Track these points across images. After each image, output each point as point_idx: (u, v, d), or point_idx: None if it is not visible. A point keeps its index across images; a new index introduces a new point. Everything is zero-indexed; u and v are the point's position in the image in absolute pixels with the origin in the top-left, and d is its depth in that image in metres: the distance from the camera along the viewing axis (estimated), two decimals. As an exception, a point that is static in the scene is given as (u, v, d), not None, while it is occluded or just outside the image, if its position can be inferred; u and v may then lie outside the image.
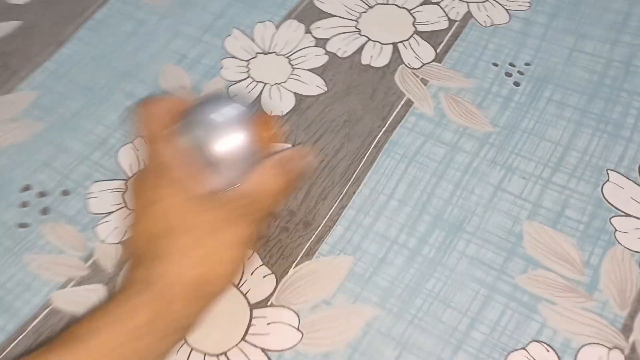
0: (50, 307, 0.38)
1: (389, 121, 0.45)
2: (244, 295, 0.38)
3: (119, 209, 0.42)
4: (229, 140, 0.31)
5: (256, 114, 0.33)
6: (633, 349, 0.34)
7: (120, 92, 0.48)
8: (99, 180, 0.44)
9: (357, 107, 0.46)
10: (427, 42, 0.49)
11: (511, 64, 0.47)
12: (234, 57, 0.50)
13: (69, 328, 0.29)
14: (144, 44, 0.51)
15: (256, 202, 0.32)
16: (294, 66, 0.49)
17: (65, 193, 0.43)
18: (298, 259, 0.39)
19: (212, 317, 0.37)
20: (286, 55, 0.50)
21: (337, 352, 0.36)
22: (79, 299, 0.39)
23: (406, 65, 0.48)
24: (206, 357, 0.36)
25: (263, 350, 0.36)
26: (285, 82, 0.48)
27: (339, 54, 0.49)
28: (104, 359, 0.28)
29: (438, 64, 0.48)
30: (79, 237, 0.41)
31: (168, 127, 0.32)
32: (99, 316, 0.29)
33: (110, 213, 0.42)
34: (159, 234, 0.31)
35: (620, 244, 0.38)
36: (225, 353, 0.36)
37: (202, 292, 0.31)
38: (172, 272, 0.30)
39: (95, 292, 0.39)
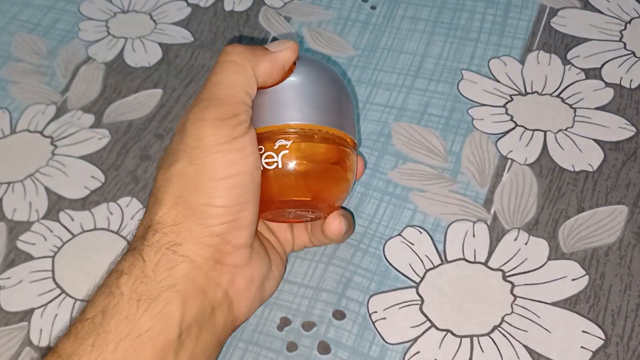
0: None
1: (256, 58, 0.46)
2: (120, 235, 0.38)
3: None
4: None
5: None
6: (495, 217, 0.37)
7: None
8: None
9: (224, 50, 0.47)
10: (286, -19, 0.51)
11: (368, -10, 0.49)
12: (91, 19, 0.49)
13: None
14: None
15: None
16: (157, 21, 0.49)
17: None
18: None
19: (89, 265, 0.37)
20: (147, 12, 0.50)
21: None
22: None
23: (268, 6, 0.49)
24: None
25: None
26: (148, 35, 0.48)
27: (201, 4, 0.50)
28: None
29: (298, 1, 0.49)
30: None
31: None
32: None
33: None
34: None
35: (477, 129, 0.41)
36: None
37: None
38: None
39: None
